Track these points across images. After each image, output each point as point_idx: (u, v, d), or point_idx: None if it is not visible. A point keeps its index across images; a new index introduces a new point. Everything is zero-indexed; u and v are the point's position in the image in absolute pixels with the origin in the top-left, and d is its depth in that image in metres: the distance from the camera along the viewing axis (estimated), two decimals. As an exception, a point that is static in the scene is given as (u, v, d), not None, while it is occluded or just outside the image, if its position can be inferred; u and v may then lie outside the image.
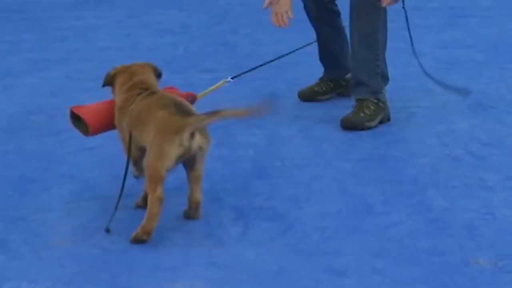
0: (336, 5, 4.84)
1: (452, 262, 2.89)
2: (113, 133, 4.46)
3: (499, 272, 2.82)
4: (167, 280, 2.84)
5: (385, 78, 4.57)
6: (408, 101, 4.88)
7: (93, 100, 5.03)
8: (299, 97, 4.99)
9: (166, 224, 3.26)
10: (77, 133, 4.48)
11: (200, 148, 3.22)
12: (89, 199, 3.59)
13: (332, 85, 4.98)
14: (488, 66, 5.62)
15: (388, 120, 4.56)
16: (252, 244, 3.09)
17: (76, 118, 3.66)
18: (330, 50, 4.92)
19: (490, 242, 3.05)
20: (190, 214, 3.36)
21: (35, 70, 5.83)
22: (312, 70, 5.31)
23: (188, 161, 3.27)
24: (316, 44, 4.98)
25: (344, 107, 4.62)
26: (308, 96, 4.97)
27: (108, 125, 3.64)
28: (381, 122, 4.50)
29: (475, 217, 3.27)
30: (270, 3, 4.40)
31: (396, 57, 5.64)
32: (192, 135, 3.17)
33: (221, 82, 4.26)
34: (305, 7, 4.84)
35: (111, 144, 4.31)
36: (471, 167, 3.89)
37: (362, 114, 4.43)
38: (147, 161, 3.20)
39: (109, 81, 3.64)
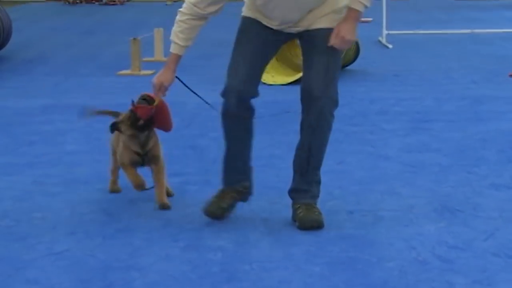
0: (253, 105, 4.65)
1: None
2: (81, 237, 4.47)
3: None
4: None
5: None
6: (376, 204, 4.91)
7: (60, 205, 5.07)
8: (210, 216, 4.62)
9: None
10: (44, 237, 4.49)
11: None
12: (55, 305, 3.54)
13: (235, 194, 4.69)
14: (453, 170, 5.69)
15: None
16: None
17: None
18: (238, 160, 4.72)
19: None
20: None
21: (2, 175, 5.80)
22: (279, 172, 5.36)
23: None
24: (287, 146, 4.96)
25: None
26: (220, 215, 4.62)
27: None
28: None
29: (444, 321, 3.27)
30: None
31: (363, 160, 5.73)
32: None
33: None
34: (229, 104, 4.63)
35: (78, 248, 4.30)
36: (438, 271, 3.90)
37: (317, 213, 4.48)
38: None
39: None
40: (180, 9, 4.52)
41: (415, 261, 4.04)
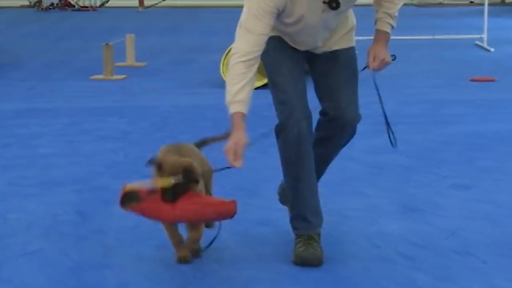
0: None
1: None
2: (55, 237, 4.46)
3: None
4: None
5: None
6: (341, 204, 4.93)
7: (35, 206, 5.05)
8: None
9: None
10: (18, 238, 4.47)
11: None
12: (30, 303, 3.53)
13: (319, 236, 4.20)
14: (416, 171, 5.74)
15: None
16: None
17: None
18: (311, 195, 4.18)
19: None
20: None
21: None
22: (250, 174, 5.37)
23: None
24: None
25: (281, 210, 4.66)
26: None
27: None
28: None
29: (406, 316, 3.30)
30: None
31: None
32: None
33: None
34: (292, 131, 4.03)
35: (52, 248, 4.30)
36: (401, 267, 3.95)
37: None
38: None
39: None
40: (238, 61, 3.82)
41: (379, 258, 4.08)
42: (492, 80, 9.68)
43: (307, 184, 4.11)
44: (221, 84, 9.11)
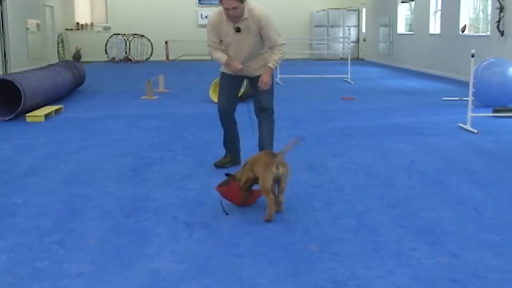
0: (234, 116, 4.67)
1: None
2: (121, 183, 4.31)
3: None
4: None
5: None
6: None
7: (110, 166, 4.87)
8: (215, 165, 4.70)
9: None
10: (101, 183, 4.32)
11: (283, 173, 3.40)
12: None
13: (230, 158, 4.75)
14: (314, 147, 5.68)
15: None
16: None
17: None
18: (230, 139, 4.74)
19: None
20: (276, 209, 3.41)
21: (78, 152, 5.59)
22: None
23: (278, 181, 3.43)
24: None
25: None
26: (221, 166, 4.69)
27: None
28: None
29: None
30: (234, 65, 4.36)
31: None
32: (277, 167, 3.38)
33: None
34: (221, 114, 4.61)
35: (119, 189, 4.14)
36: (306, 198, 3.85)
37: None
38: (261, 183, 3.42)
39: None
40: (212, 49, 4.37)
41: (294, 194, 3.98)
42: (353, 99, 9.68)
43: (227, 135, 4.68)
44: (210, 101, 9.08)
